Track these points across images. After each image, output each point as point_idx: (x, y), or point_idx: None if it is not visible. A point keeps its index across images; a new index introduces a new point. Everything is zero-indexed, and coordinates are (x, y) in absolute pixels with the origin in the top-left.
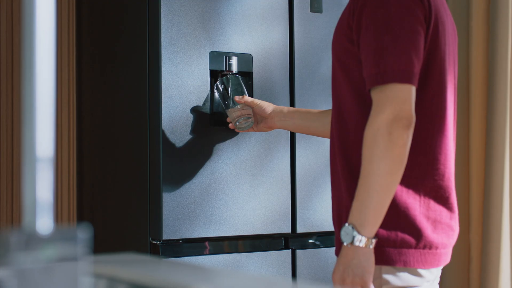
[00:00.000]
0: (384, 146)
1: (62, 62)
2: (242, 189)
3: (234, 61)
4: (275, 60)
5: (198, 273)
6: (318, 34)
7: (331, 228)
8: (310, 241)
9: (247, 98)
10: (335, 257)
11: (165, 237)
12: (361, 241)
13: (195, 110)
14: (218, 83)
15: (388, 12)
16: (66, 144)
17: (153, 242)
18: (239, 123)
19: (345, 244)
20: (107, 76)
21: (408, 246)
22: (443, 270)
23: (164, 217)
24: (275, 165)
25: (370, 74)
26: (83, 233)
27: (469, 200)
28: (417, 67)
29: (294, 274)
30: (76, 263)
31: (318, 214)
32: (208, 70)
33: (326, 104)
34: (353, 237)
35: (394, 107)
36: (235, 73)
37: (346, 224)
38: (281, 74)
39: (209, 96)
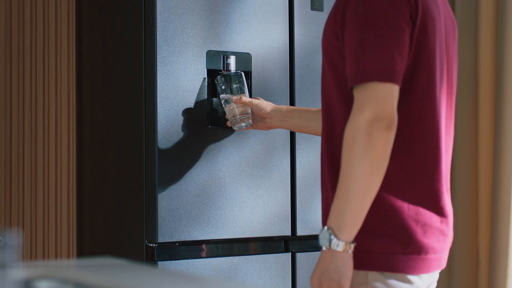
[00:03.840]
0: (363, 147)
1: (61, 62)
2: (241, 190)
3: (232, 60)
4: (274, 59)
5: (167, 279)
6: (319, 32)
7: None
8: (315, 243)
9: (245, 98)
10: None
11: (161, 239)
12: (338, 245)
13: (192, 110)
14: (217, 80)
15: (371, 8)
16: (66, 146)
17: (149, 244)
18: (236, 122)
19: (323, 248)
20: (104, 76)
21: (396, 251)
22: (451, 273)
23: (159, 219)
24: (275, 166)
25: (351, 72)
26: (12, 239)
27: (478, 202)
28: (400, 66)
29: (294, 278)
30: (5, 270)
31: (319, 216)
32: (206, 70)
33: None
34: (330, 241)
35: (374, 107)
36: (236, 71)
37: (325, 228)
38: (281, 74)
39: (206, 95)
